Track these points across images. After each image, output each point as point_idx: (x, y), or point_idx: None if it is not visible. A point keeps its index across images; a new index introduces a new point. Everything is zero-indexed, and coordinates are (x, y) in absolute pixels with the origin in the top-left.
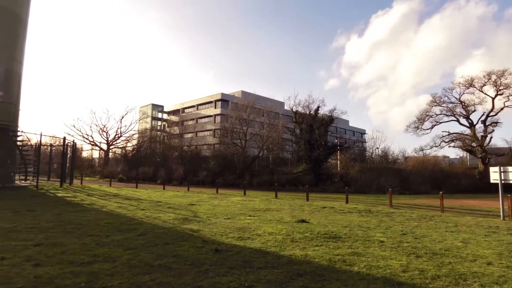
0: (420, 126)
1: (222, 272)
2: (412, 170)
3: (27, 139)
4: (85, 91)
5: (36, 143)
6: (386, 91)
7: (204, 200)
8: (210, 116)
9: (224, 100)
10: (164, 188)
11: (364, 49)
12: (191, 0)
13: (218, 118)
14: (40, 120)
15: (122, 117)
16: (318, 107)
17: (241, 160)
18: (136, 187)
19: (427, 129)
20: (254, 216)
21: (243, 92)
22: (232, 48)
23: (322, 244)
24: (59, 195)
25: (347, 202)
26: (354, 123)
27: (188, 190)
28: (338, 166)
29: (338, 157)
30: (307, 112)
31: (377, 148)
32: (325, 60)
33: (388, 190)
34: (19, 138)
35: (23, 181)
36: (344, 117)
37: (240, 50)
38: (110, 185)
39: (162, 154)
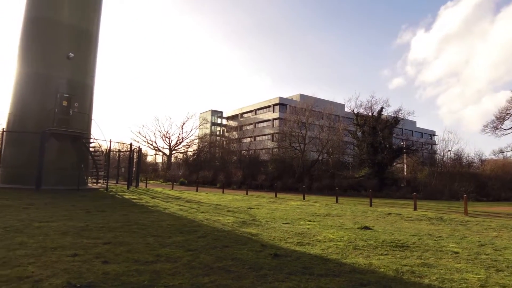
0: (499, 126)
1: (281, 277)
2: (491, 175)
3: (98, 146)
4: (149, 100)
5: (106, 149)
6: (459, 88)
7: (263, 204)
8: (268, 120)
9: (282, 104)
10: (223, 192)
11: (432, 44)
12: (246, 7)
13: (276, 122)
14: (110, 127)
15: (183, 124)
16: (382, 108)
17: (300, 164)
18: (197, 191)
19: (508, 128)
20: (314, 221)
21: (302, 95)
22: (289, 52)
23: (387, 253)
24: (126, 197)
25: (415, 208)
26: (422, 124)
27: (247, 194)
28: (405, 170)
29: (405, 160)
30: (370, 114)
31: (449, 150)
32: (389, 58)
33: (462, 196)
34: (91, 145)
35: (95, 184)
36: (410, 118)
37: (298, 53)
38: (172, 188)
39: (221, 159)
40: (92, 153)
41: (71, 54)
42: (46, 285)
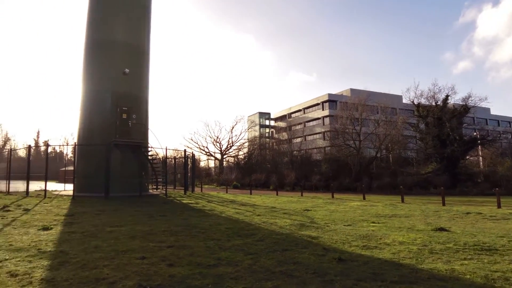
0: None
1: (349, 284)
2: None
3: (156, 154)
4: (200, 106)
5: (162, 157)
6: None
7: (320, 206)
8: (318, 118)
9: (332, 100)
10: (277, 194)
11: (503, 19)
12: (285, 7)
13: (327, 120)
14: (165, 136)
15: (232, 128)
16: (447, 96)
17: (356, 162)
18: (250, 193)
19: None
20: (378, 222)
21: (353, 90)
22: (336, 46)
23: (472, 257)
24: (184, 202)
25: (499, 206)
26: (497, 110)
27: (302, 195)
28: (481, 163)
29: (480, 152)
30: (433, 103)
31: None
32: (451, 41)
33: None
34: (149, 153)
35: (155, 190)
36: (483, 104)
37: (344, 46)
38: (226, 192)
39: (273, 161)
40: (151, 161)
41: (127, 70)
42: (119, 286)
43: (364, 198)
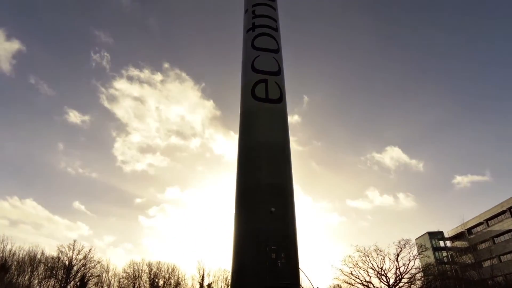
0: None
1: None
2: None
3: None
4: (353, 236)
5: None
6: None
7: None
8: (510, 230)
9: None
10: None
11: None
12: (420, 112)
13: None
14: (319, 272)
15: (398, 255)
16: None
17: None
18: None
19: None
20: None
21: None
22: (502, 135)
23: None
24: None
25: None
26: None
27: None
28: None
29: None
30: None
31: None
32: None
33: None
34: None
35: None
36: None
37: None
38: None
39: None
40: None
41: (273, 209)
42: None
43: None
